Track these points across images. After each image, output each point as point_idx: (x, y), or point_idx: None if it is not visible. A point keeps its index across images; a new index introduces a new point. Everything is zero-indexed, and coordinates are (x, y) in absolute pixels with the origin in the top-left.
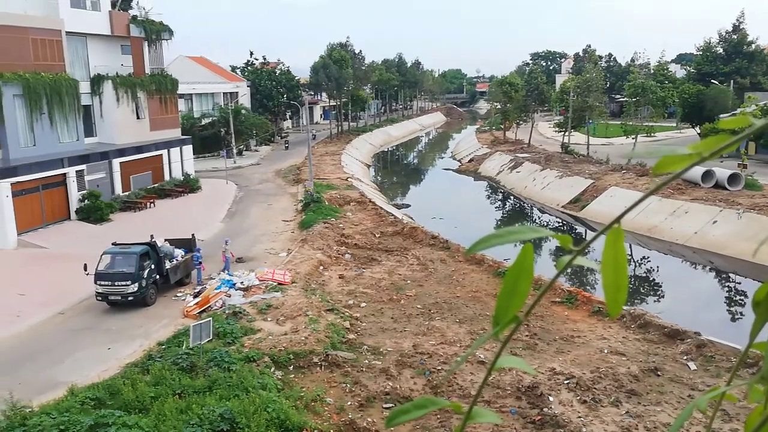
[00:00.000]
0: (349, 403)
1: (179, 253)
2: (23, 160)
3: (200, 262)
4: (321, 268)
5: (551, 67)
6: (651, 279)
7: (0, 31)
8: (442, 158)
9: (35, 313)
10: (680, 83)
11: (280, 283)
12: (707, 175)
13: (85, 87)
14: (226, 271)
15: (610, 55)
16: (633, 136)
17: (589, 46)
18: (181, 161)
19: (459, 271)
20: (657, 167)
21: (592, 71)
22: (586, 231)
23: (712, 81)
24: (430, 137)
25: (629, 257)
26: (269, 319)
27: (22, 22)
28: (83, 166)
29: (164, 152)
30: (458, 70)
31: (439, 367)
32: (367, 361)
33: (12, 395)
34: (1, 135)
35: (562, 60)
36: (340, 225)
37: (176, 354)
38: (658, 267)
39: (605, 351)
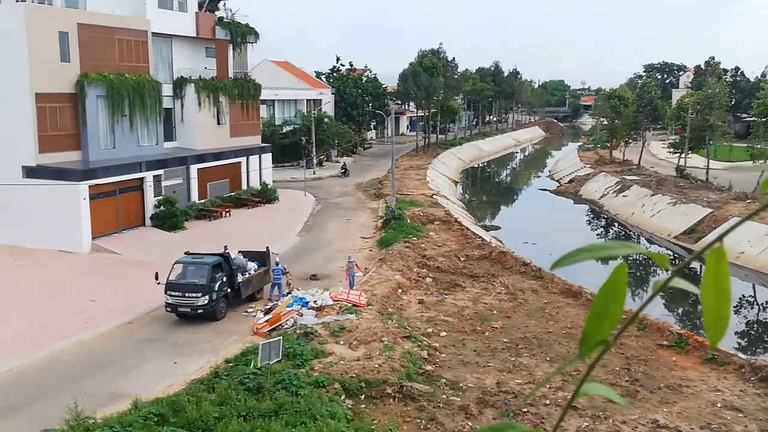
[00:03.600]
0: None
1: (252, 266)
2: (102, 163)
3: (283, 274)
4: (399, 291)
5: (667, 81)
6: None
7: (88, 31)
8: (539, 177)
9: (105, 321)
10: None
11: (354, 305)
12: None
13: (167, 89)
14: (353, 288)
15: (736, 68)
16: (762, 161)
17: (713, 58)
18: (260, 170)
19: (552, 304)
20: (766, 184)
21: (715, 86)
22: (701, 266)
23: None
24: (526, 154)
25: (752, 299)
26: (342, 342)
27: (110, 22)
28: (161, 171)
29: (243, 160)
30: (560, 81)
31: (525, 409)
32: (445, 397)
33: (77, 404)
34: (83, 136)
35: (681, 73)
36: (422, 245)
37: (243, 373)
38: None
39: (718, 405)
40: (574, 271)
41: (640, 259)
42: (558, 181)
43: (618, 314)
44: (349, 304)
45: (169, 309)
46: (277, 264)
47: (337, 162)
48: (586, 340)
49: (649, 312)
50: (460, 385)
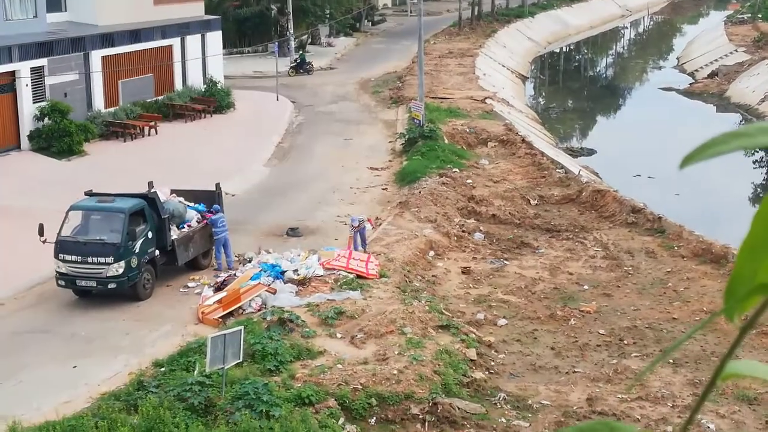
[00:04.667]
0: None
1: (194, 215)
2: None
3: (224, 227)
4: (432, 254)
5: None
6: None
7: None
8: (660, 69)
9: None
10: None
11: (359, 276)
12: None
13: None
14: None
15: None
16: None
17: None
18: (203, 59)
19: (679, 274)
20: None
21: None
22: None
23: None
24: (640, 30)
25: None
26: (339, 335)
27: None
28: (43, 61)
29: (176, 42)
30: None
31: None
32: (504, 420)
33: None
34: None
35: None
36: (469, 181)
37: (183, 383)
38: None
39: None
40: (717, 220)
41: None
42: (691, 74)
43: None
44: (352, 275)
45: (63, 283)
46: (216, 210)
47: (329, 45)
48: (736, 285)
49: None
50: (529, 402)
